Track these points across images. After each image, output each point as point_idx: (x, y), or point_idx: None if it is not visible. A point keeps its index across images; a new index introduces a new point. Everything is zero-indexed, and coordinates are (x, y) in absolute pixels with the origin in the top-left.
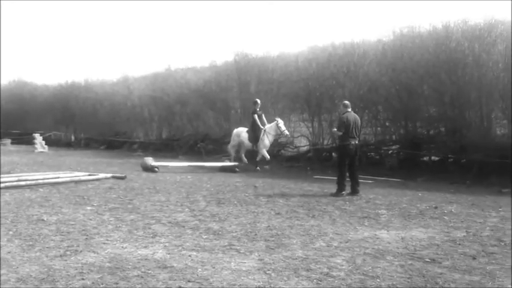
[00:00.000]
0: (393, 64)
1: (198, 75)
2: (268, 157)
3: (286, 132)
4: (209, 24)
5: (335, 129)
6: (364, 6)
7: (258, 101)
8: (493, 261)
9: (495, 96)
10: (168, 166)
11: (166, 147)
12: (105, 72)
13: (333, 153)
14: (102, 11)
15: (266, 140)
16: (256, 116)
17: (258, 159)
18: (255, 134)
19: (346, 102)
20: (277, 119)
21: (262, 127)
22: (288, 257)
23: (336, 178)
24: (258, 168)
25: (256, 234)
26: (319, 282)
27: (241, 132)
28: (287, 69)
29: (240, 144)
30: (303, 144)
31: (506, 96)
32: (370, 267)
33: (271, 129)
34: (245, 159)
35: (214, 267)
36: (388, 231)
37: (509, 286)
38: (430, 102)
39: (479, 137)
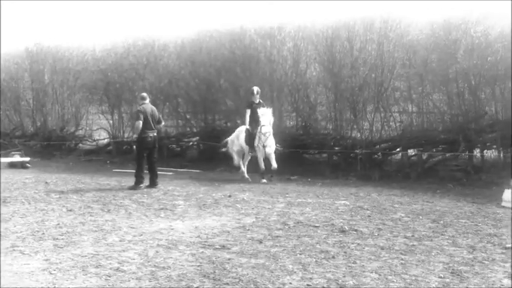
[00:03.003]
0: (192, 57)
1: None
2: (263, 167)
3: (265, 130)
4: None
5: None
6: (168, 6)
7: (255, 89)
8: (277, 244)
9: (285, 90)
10: None
11: None
12: None
13: (134, 146)
14: None
15: (257, 141)
16: (248, 111)
17: (261, 168)
18: (250, 134)
19: (143, 94)
20: (261, 110)
21: (247, 126)
22: (77, 254)
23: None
24: (263, 180)
25: (44, 234)
26: (108, 278)
27: (240, 133)
28: (84, 59)
29: (242, 149)
30: (102, 137)
31: (294, 91)
32: (162, 259)
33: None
34: (244, 171)
35: None
36: (183, 221)
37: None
38: (227, 95)
39: None
